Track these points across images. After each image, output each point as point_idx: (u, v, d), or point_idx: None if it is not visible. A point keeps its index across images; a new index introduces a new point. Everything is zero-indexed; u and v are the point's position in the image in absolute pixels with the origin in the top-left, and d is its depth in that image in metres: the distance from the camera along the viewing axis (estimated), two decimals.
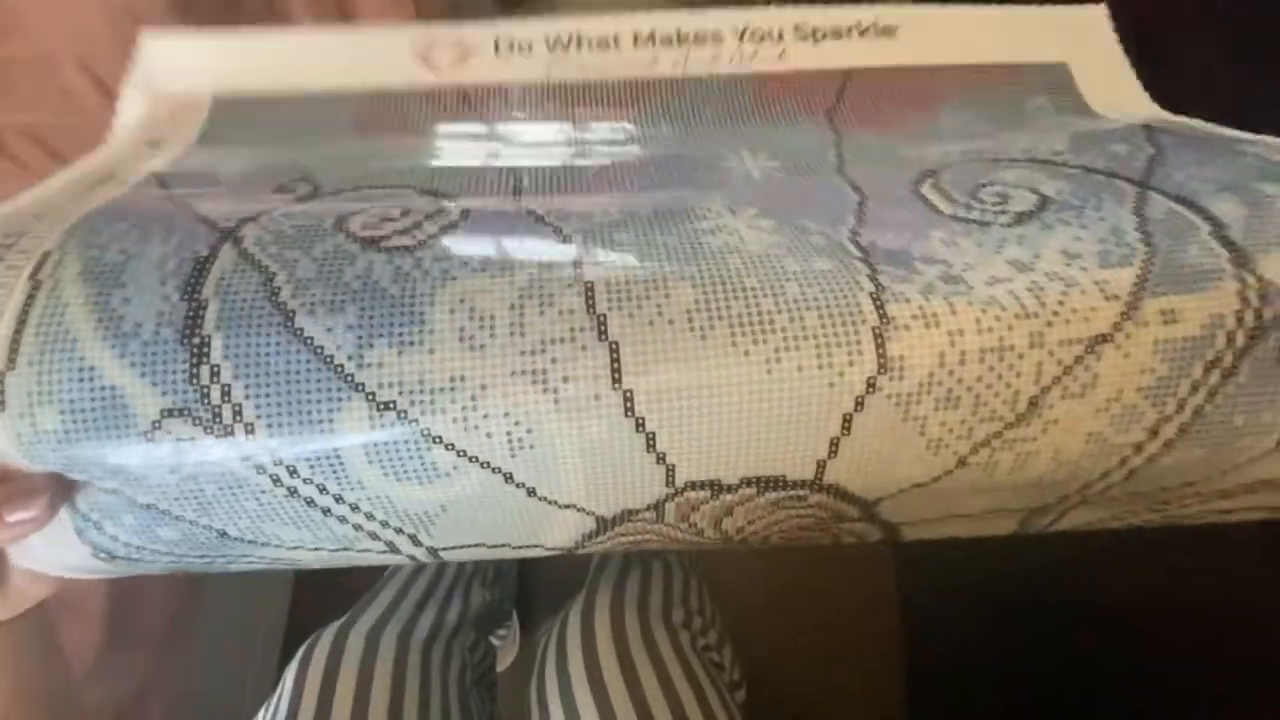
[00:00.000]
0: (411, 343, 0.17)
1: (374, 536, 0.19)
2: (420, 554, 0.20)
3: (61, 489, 0.18)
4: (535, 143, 0.23)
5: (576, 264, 0.18)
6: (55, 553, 0.19)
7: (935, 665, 0.85)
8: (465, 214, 0.20)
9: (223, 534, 0.18)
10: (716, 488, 0.18)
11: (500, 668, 0.76)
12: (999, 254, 0.17)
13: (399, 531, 0.18)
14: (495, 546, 0.20)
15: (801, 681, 0.84)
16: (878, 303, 0.16)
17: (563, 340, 0.17)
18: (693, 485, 0.18)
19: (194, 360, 0.17)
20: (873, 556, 0.92)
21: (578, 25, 0.22)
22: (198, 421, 0.17)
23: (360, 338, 0.17)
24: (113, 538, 0.19)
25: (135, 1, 0.52)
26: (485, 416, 0.17)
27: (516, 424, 0.17)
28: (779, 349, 0.16)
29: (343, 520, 0.18)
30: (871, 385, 0.16)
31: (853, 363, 0.16)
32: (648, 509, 0.18)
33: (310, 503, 0.18)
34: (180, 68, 0.24)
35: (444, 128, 0.23)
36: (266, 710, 0.36)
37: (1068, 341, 0.16)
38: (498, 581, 0.55)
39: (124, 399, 0.16)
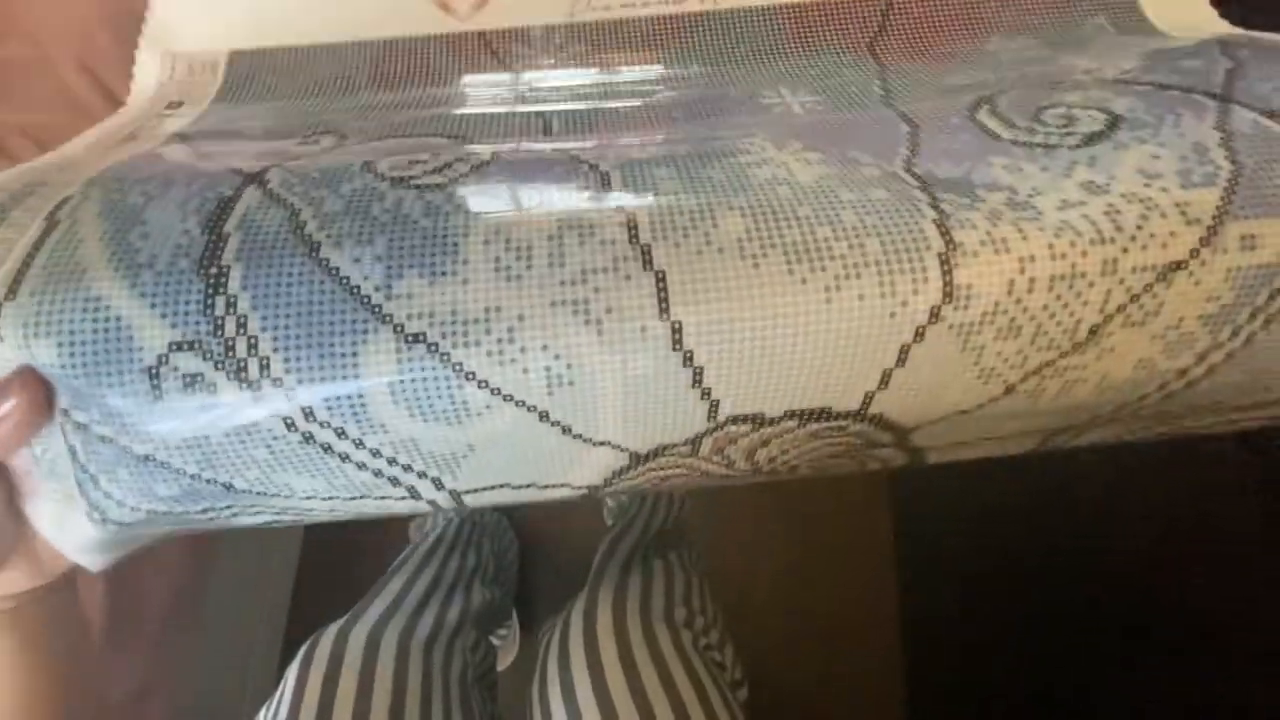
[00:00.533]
0: (444, 273, 0.16)
1: (394, 482, 0.18)
2: (442, 498, 0.18)
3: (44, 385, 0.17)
4: (562, 87, 0.22)
5: (617, 196, 0.17)
6: (58, 516, 0.18)
7: (935, 663, 0.85)
8: (496, 155, 0.19)
9: (229, 487, 0.17)
10: (759, 421, 0.17)
11: (501, 667, 0.76)
12: (1069, 177, 0.16)
13: (422, 475, 0.17)
14: (520, 487, 0.19)
15: (802, 680, 0.84)
16: (942, 229, 0.15)
17: (605, 270, 0.16)
18: (735, 420, 0.17)
19: (209, 290, 0.16)
20: (875, 553, 0.92)
21: None
22: (208, 355, 0.16)
23: (389, 268, 0.16)
24: (107, 494, 0.18)
25: (135, 2, 0.52)
26: (522, 350, 0.16)
27: (556, 358, 0.16)
28: (839, 276, 0.15)
29: (361, 466, 0.17)
30: (935, 315, 0.15)
31: (917, 291, 0.15)
32: (684, 443, 0.17)
33: (327, 449, 0.17)
34: (193, 23, 0.24)
35: (467, 76, 0.23)
36: (267, 710, 0.36)
37: (1141, 268, 0.15)
38: (498, 580, 0.55)
39: (130, 330, 0.16)
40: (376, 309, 0.16)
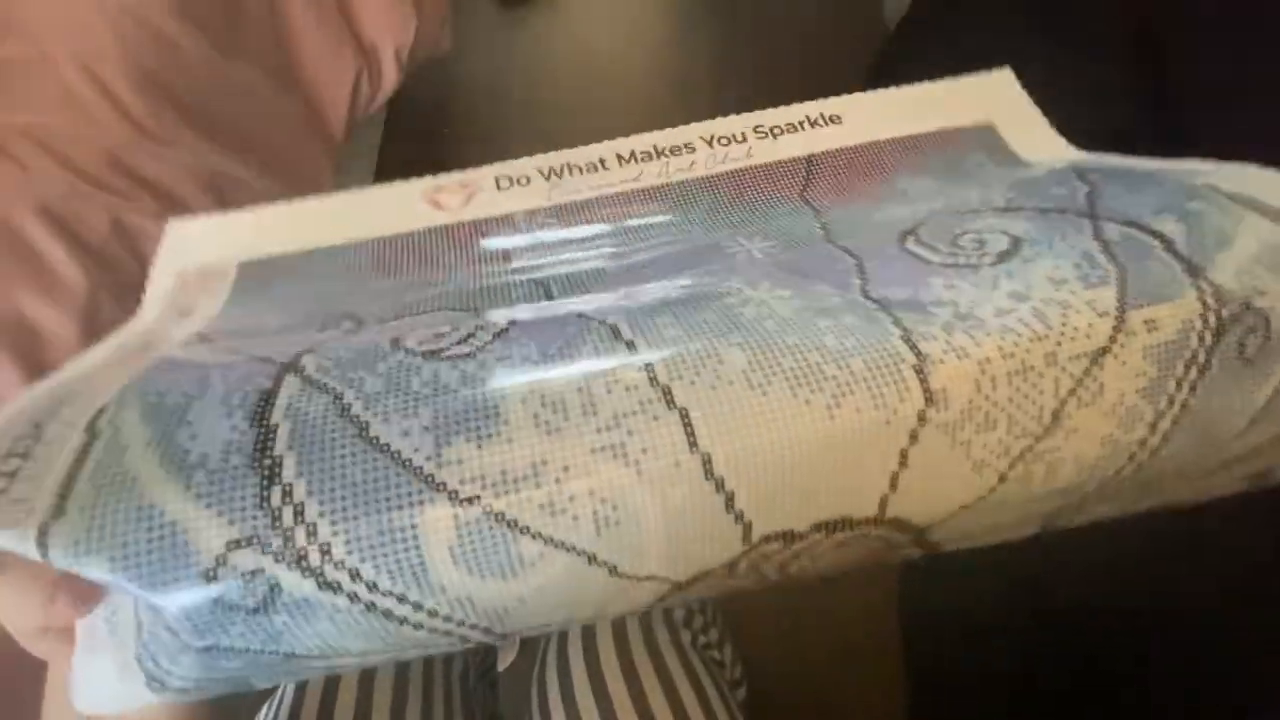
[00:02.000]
0: (490, 435, 0.17)
1: (448, 635, 0.19)
2: (490, 639, 0.19)
3: None
4: (550, 256, 0.24)
5: (630, 344, 0.19)
6: (115, 675, 0.19)
7: (935, 663, 0.85)
8: (512, 321, 0.20)
9: (290, 655, 0.18)
10: (789, 538, 0.18)
11: (500, 668, 0.76)
12: (996, 289, 0.19)
13: (473, 627, 0.18)
14: (565, 622, 0.20)
15: (802, 680, 0.84)
16: (910, 344, 0.18)
17: (634, 413, 0.17)
18: (767, 539, 0.18)
19: (265, 482, 0.16)
20: None
21: (567, 156, 0.25)
22: (268, 548, 0.16)
23: (438, 438, 0.17)
24: (167, 672, 0.18)
25: (135, 1, 0.52)
26: (571, 499, 0.17)
27: (603, 501, 0.17)
28: (835, 395, 0.17)
29: (418, 627, 0.18)
30: (922, 418, 0.17)
31: (903, 399, 0.17)
32: (722, 567, 0.18)
33: (388, 615, 0.17)
34: (206, 242, 0.25)
35: (463, 256, 0.25)
36: (269, 708, 0.36)
37: (1076, 356, 0.18)
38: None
39: (185, 535, 0.16)
40: (430, 478, 0.16)
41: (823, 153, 0.24)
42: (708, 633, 0.42)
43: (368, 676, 0.37)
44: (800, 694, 0.83)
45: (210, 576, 0.16)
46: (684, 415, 0.17)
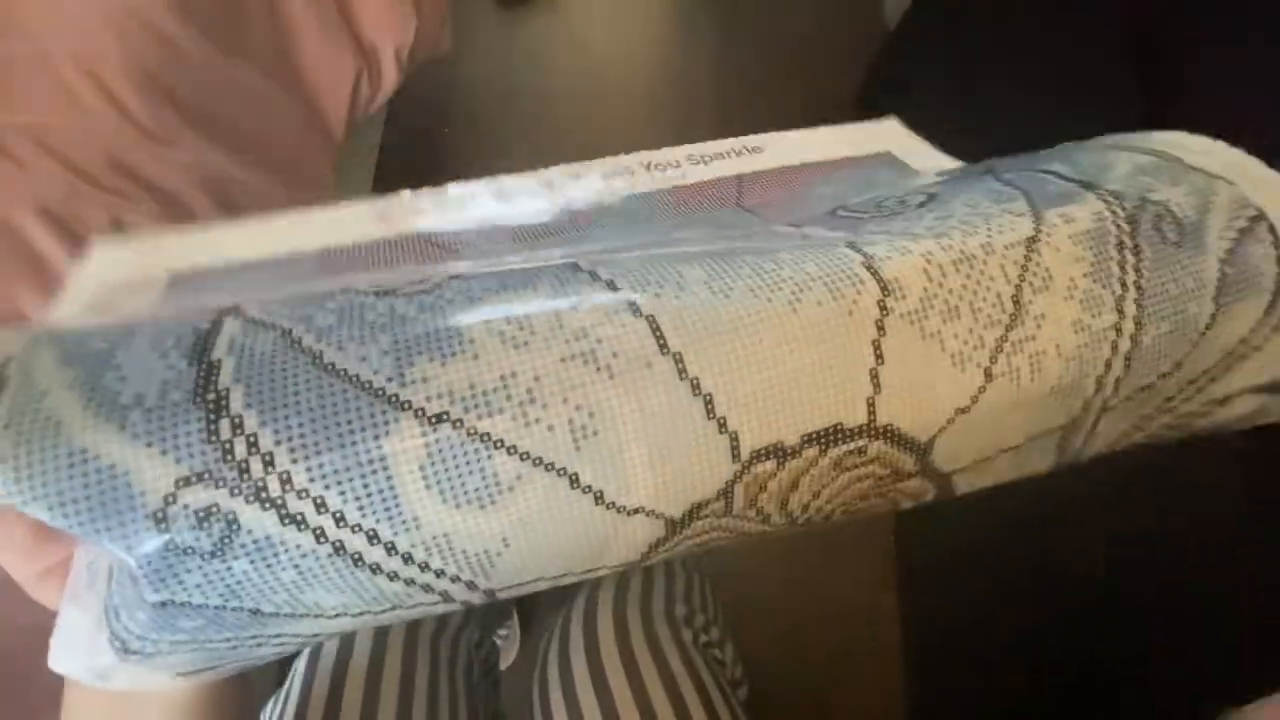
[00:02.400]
0: (454, 353, 0.16)
1: (427, 589, 0.17)
2: (476, 598, 0.18)
3: None
4: (502, 243, 0.25)
5: (591, 274, 0.19)
6: (89, 633, 0.18)
7: (935, 663, 0.85)
8: (472, 270, 0.20)
9: (255, 612, 0.17)
10: (781, 453, 0.18)
11: (501, 667, 0.76)
12: (922, 220, 0.20)
13: (455, 580, 0.17)
14: (556, 577, 0.19)
15: (802, 679, 0.84)
16: (856, 249, 0.19)
17: (601, 323, 0.17)
18: (758, 455, 0.18)
19: (211, 416, 0.15)
20: (875, 553, 0.93)
21: (514, 180, 0.26)
22: (221, 483, 0.15)
23: (399, 359, 0.16)
24: (127, 629, 0.17)
25: (136, 1, 0.52)
26: (544, 407, 0.16)
27: (577, 408, 0.16)
28: (794, 292, 0.18)
29: (393, 577, 0.17)
30: (883, 308, 0.18)
31: (860, 291, 0.18)
32: (717, 497, 0.18)
33: (358, 560, 0.16)
34: (136, 258, 0.23)
35: (413, 258, 0.24)
36: (275, 703, 0.36)
37: (1010, 245, 0.19)
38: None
39: (126, 478, 0.15)
40: (393, 399, 0.16)
41: (750, 173, 0.26)
42: (709, 632, 0.42)
43: (375, 673, 0.37)
44: (800, 694, 0.83)
45: (159, 518, 0.15)
46: (651, 321, 0.17)
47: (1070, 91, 0.67)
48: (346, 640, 0.38)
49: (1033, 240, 0.19)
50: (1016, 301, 0.19)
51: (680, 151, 0.26)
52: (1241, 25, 0.57)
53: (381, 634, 0.39)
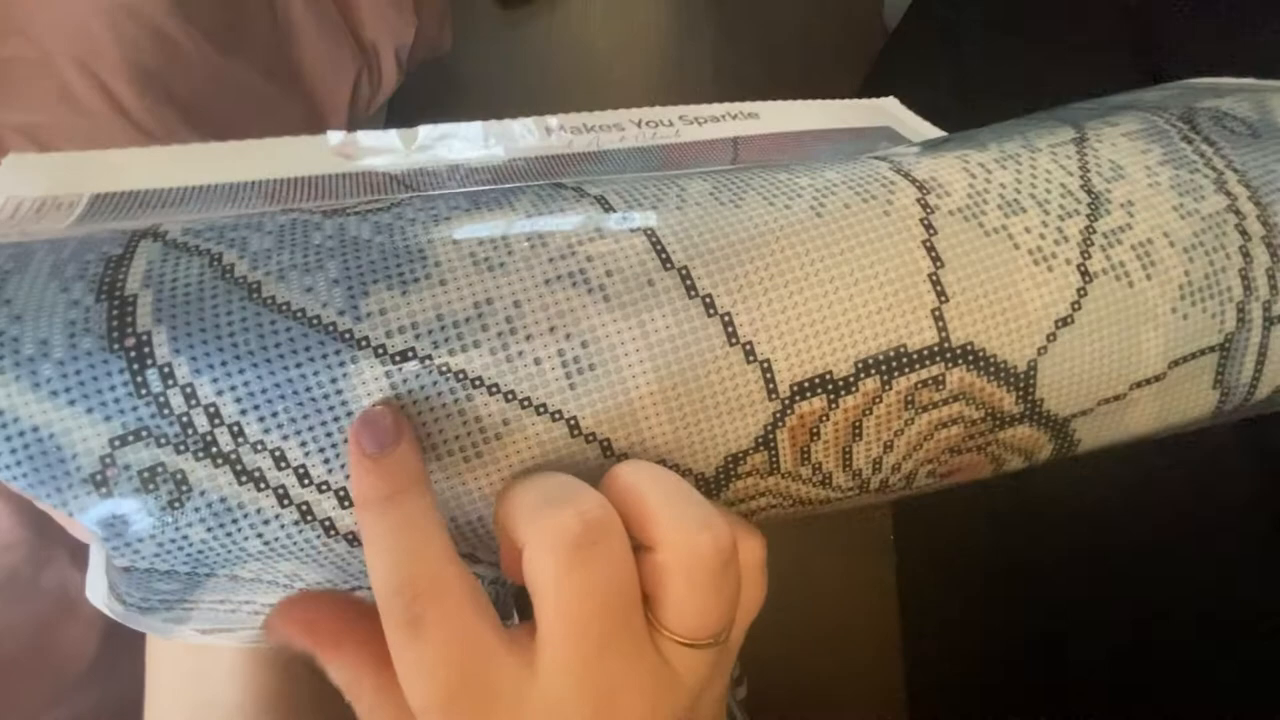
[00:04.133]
0: (416, 279, 0.14)
1: None
2: (480, 570, 0.16)
3: None
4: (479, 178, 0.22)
5: (576, 189, 0.16)
6: (99, 577, 0.16)
7: (935, 662, 0.85)
8: (439, 189, 0.18)
9: (234, 578, 0.15)
10: (831, 386, 0.14)
11: None
12: (944, 145, 0.18)
13: None
14: None
15: (802, 680, 0.84)
16: (879, 158, 0.17)
17: (591, 239, 0.15)
18: (800, 390, 0.14)
19: (134, 366, 0.13)
20: (875, 553, 0.92)
21: (494, 125, 0.23)
22: (164, 439, 0.13)
23: (351, 289, 0.14)
24: (115, 583, 0.15)
25: (135, 1, 0.52)
26: (528, 338, 0.14)
27: (567, 337, 0.14)
28: (817, 196, 0.15)
29: None
30: (925, 205, 0.15)
31: (892, 191, 0.15)
32: (756, 446, 0.15)
33: (329, 528, 0.14)
34: (54, 175, 0.19)
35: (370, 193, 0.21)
36: None
37: (1056, 144, 0.17)
38: (498, 579, 0.55)
39: (54, 441, 0.13)
40: (347, 335, 0.14)
41: (746, 136, 0.24)
42: None
43: None
44: (800, 692, 0.83)
45: (98, 482, 0.13)
46: (650, 235, 0.15)
47: (1071, 93, 0.67)
48: None
49: (1080, 140, 0.16)
50: (1089, 190, 0.16)
51: (674, 111, 0.24)
52: (1243, 23, 0.57)
53: None
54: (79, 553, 0.42)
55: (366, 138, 0.21)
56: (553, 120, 0.23)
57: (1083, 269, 0.15)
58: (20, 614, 0.39)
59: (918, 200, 0.15)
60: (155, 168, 0.20)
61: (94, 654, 0.43)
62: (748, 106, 0.25)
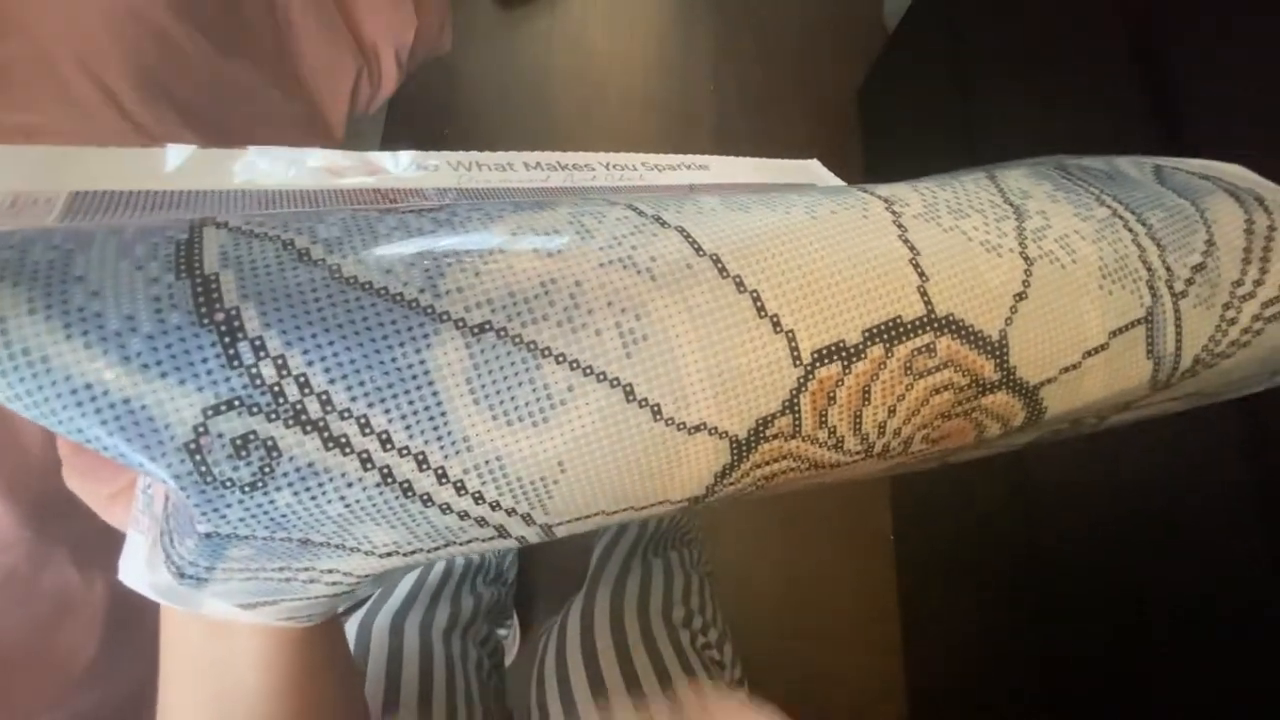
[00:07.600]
0: (486, 263, 0.16)
1: (482, 523, 0.16)
2: (532, 534, 0.17)
3: None
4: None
5: (606, 198, 0.19)
6: (148, 556, 0.17)
7: (935, 662, 0.85)
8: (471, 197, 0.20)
9: (305, 541, 0.16)
10: (845, 353, 0.17)
11: (507, 663, 0.76)
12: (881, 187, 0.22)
13: (511, 512, 0.16)
14: (616, 512, 0.18)
15: (802, 680, 0.84)
16: (846, 184, 0.21)
17: (632, 233, 0.17)
18: (820, 357, 0.17)
19: (225, 339, 0.14)
20: (875, 553, 0.92)
21: (475, 155, 0.25)
22: (255, 409, 0.14)
23: (428, 269, 0.15)
24: (180, 554, 0.16)
25: (135, 1, 0.52)
26: (590, 312, 0.16)
27: (623, 311, 0.16)
28: (808, 207, 0.19)
29: (446, 509, 0.16)
30: (892, 211, 0.19)
31: (866, 204, 0.19)
32: (782, 410, 0.17)
33: (407, 490, 0.15)
34: (28, 170, 0.19)
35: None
36: None
37: (973, 177, 0.22)
38: (498, 579, 0.56)
39: (147, 412, 0.13)
40: (429, 310, 0.15)
41: (700, 185, 0.27)
42: (707, 633, 0.42)
43: (395, 662, 0.38)
44: (800, 693, 0.83)
45: (192, 449, 0.14)
46: (681, 231, 0.17)
47: (1070, 91, 0.67)
48: (363, 637, 0.39)
49: (991, 176, 0.21)
50: (1009, 202, 0.20)
51: (637, 157, 0.27)
52: (1241, 23, 0.57)
53: (398, 627, 0.40)
54: (79, 552, 0.42)
55: (346, 158, 0.23)
56: (529, 157, 0.25)
57: (1025, 255, 0.19)
58: (20, 614, 0.39)
59: (886, 209, 0.19)
60: (141, 165, 0.20)
61: (94, 654, 0.43)
62: (700, 159, 0.29)
